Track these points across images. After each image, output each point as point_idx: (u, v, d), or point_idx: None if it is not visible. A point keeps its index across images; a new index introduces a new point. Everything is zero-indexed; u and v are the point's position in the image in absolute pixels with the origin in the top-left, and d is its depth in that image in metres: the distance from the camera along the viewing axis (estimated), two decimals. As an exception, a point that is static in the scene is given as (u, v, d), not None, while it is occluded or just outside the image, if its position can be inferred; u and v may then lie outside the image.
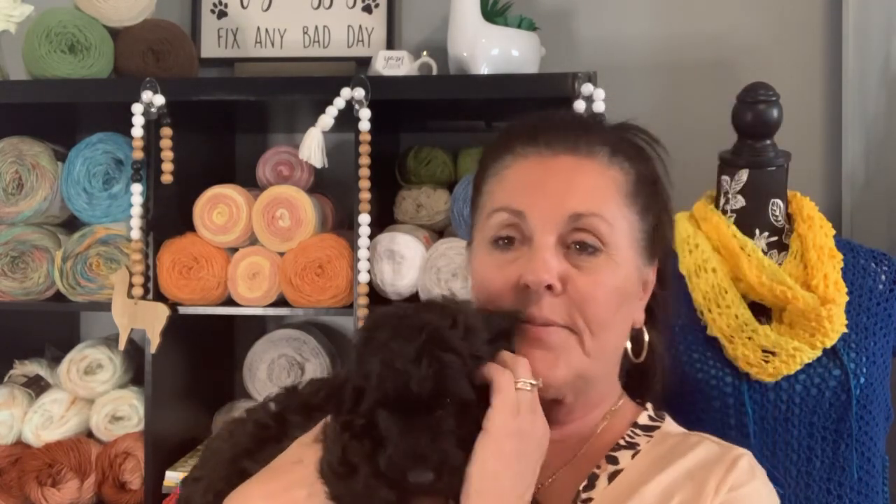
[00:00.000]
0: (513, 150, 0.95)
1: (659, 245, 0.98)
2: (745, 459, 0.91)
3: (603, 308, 0.90)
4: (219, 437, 0.96)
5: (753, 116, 1.35)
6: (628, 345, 0.99)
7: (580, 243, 0.90)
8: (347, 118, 1.66)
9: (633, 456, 0.94)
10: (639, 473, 0.91)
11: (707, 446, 0.93)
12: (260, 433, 0.90)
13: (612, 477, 0.92)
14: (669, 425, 1.00)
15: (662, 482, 0.89)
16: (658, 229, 0.97)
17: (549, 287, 0.88)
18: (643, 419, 0.99)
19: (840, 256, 1.33)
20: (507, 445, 0.79)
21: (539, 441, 0.83)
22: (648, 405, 1.01)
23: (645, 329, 0.99)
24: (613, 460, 0.93)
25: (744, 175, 1.37)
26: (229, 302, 1.77)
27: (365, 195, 1.67)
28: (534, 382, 0.82)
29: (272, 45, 2.08)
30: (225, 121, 1.99)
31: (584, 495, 0.91)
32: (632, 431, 0.97)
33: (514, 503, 0.79)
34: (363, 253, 1.67)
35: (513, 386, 0.81)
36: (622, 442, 0.96)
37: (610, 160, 0.94)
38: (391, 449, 0.77)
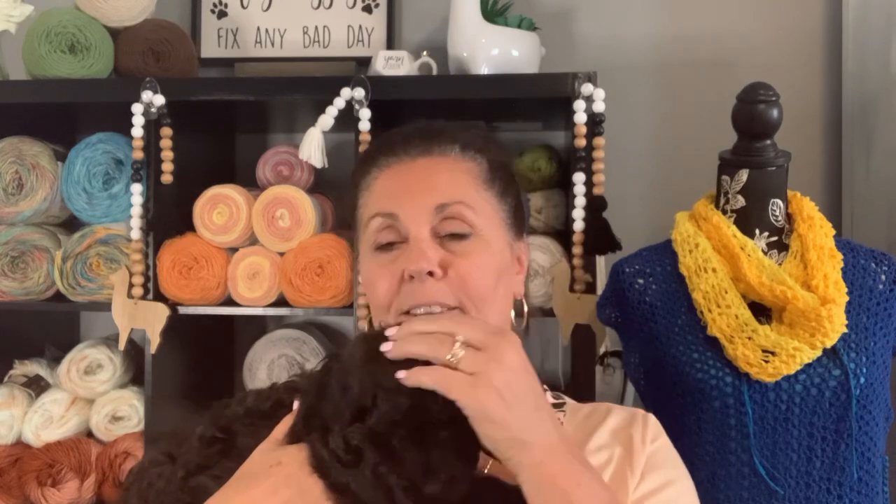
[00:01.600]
0: (377, 163, 1.04)
1: (523, 221, 1.08)
2: (653, 417, 1.03)
3: (482, 283, 0.98)
4: (151, 462, 0.91)
5: (753, 116, 1.34)
6: (512, 314, 1.06)
7: (451, 232, 0.98)
8: (347, 118, 1.66)
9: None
10: (575, 441, 0.96)
11: (618, 411, 1.04)
12: (207, 448, 0.87)
13: None
14: (571, 400, 1.09)
15: (596, 444, 0.99)
16: (519, 208, 1.07)
17: (431, 274, 0.95)
18: (549, 398, 1.06)
19: (840, 256, 1.33)
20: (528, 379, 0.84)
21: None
22: (544, 386, 1.04)
23: (524, 300, 1.07)
24: None
25: (744, 175, 1.36)
26: (229, 302, 1.77)
27: (365, 195, 1.66)
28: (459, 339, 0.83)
29: (272, 45, 2.08)
30: (225, 121, 1.99)
31: None
32: None
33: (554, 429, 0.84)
34: (363, 253, 1.66)
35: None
36: None
37: (462, 154, 1.03)
38: (409, 465, 0.78)
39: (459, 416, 0.79)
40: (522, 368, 0.82)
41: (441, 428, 0.79)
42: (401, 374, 0.80)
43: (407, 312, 0.97)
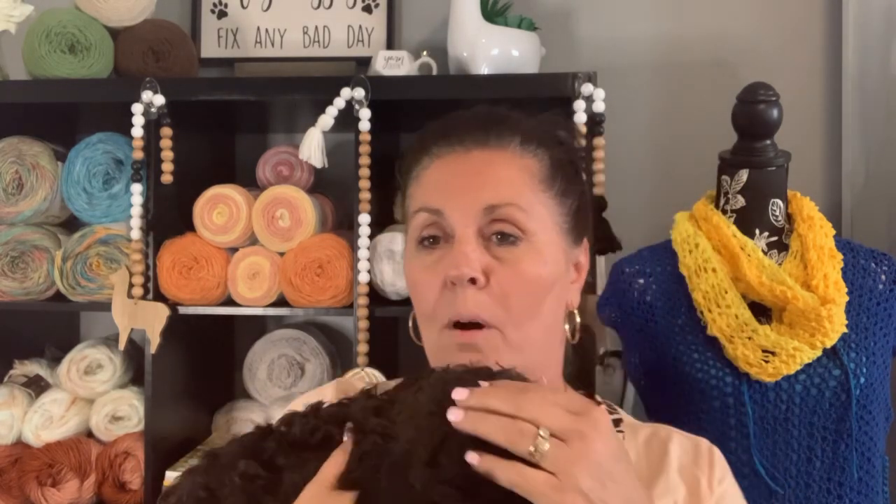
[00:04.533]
0: (429, 151, 0.97)
1: (585, 224, 1.00)
2: (717, 452, 0.96)
3: (526, 299, 0.91)
4: (191, 495, 0.81)
5: (753, 116, 1.35)
6: (567, 327, 0.99)
7: (500, 234, 0.91)
8: (347, 118, 1.66)
9: None
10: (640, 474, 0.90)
11: (679, 439, 0.96)
12: (250, 485, 0.79)
13: None
14: (626, 416, 1.02)
15: (662, 491, 0.92)
16: (581, 210, 0.99)
17: (474, 281, 0.89)
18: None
19: (840, 256, 1.33)
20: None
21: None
22: (597, 396, 0.99)
23: (576, 312, 0.99)
24: None
25: (744, 175, 1.37)
26: (229, 302, 1.77)
27: (365, 195, 1.67)
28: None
29: (272, 45, 2.08)
30: (225, 121, 1.99)
31: None
32: None
33: None
34: (363, 253, 1.67)
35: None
36: None
37: (522, 149, 0.96)
38: None
39: None
40: (614, 459, 0.72)
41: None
42: (472, 459, 0.70)
43: (453, 325, 0.90)
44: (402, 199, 1.02)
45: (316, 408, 0.83)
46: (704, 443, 0.96)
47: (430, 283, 0.92)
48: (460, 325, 0.90)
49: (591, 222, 1.03)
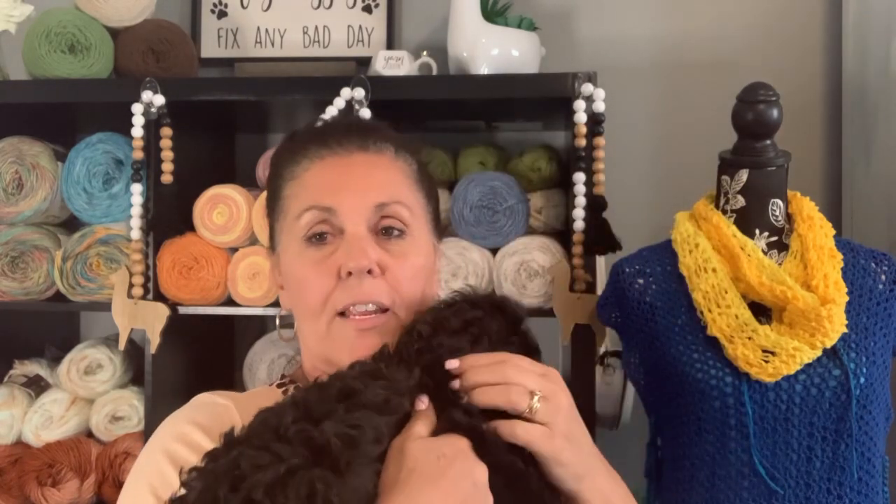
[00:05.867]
0: (307, 153, 1.04)
1: (439, 224, 1.12)
2: None
3: (415, 285, 1.01)
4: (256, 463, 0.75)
5: (753, 116, 1.34)
6: None
7: (387, 228, 1.01)
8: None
9: None
10: None
11: None
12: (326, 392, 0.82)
13: None
14: None
15: None
16: (437, 210, 1.12)
17: (370, 272, 0.97)
18: None
19: (840, 256, 1.33)
20: None
21: None
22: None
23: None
24: None
25: (744, 175, 1.36)
26: (229, 302, 1.77)
27: (365, 195, 1.66)
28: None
29: (272, 45, 2.08)
30: (225, 121, 1.99)
31: None
32: None
33: None
34: (363, 253, 1.66)
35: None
36: None
37: (396, 154, 1.06)
38: None
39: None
40: (573, 407, 0.92)
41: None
42: (503, 428, 0.88)
43: (342, 314, 0.97)
44: (270, 200, 1.08)
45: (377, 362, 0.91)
46: None
47: (320, 277, 0.98)
48: (348, 315, 0.98)
49: (440, 223, 1.14)
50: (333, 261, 0.98)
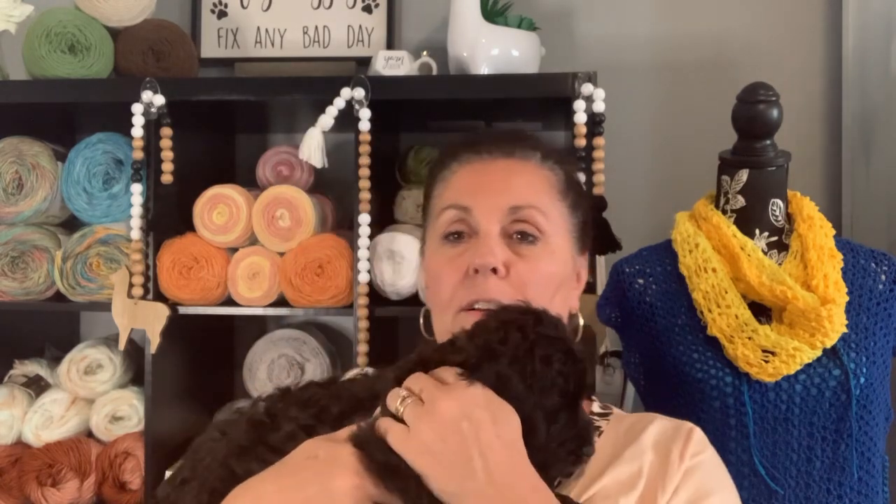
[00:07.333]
0: (458, 158, 1.08)
1: (588, 238, 1.12)
2: (698, 431, 1.01)
3: (541, 291, 1.00)
4: (209, 437, 0.95)
5: (753, 116, 1.34)
6: None
7: (520, 233, 1.02)
8: (347, 118, 1.66)
9: (598, 435, 1.00)
10: (606, 451, 0.98)
11: (661, 422, 1.02)
12: (255, 430, 0.90)
13: None
14: (618, 410, 1.09)
15: (632, 453, 0.98)
16: (586, 225, 1.11)
17: (495, 271, 0.99)
18: (596, 408, 1.08)
19: (840, 256, 1.33)
20: None
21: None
22: (594, 397, 1.10)
23: (579, 315, 1.10)
24: None
25: (744, 175, 1.36)
26: (229, 302, 1.77)
27: (365, 195, 1.67)
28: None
29: (272, 45, 2.08)
30: (225, 121, 1.99)
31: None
32: (590, 417, 1.02)
33: None
34: (363, 253, 1.67)
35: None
36: None
37: (542, 163, 1.07)
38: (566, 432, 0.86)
39: None
40: (459, 418, 0.81)
41: None
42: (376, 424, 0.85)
43: (468, 309, 0.99)
44: (424, 202, 1.13)
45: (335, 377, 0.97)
46: (687, 425, 1.01)
47: (451, 274, 1.01)
48: (475, 311, 0.98)
49: (591, 239, 1.14)
50: (464, 259, 1.01)
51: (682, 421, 1.02)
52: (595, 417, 1.04)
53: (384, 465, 0.81)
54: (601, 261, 1.66)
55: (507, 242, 1.01)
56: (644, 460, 0.96)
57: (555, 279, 1.03)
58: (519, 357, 0.85)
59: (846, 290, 1.30)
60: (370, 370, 1.12)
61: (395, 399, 0.85)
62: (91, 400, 1.84)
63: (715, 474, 0.98)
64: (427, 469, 0.81)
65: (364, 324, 1.66)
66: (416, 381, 0.85)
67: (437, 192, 1.08)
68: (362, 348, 1.66)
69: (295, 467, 0.84)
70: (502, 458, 0.81)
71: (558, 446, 0.87)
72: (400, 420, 0.83)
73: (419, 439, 0.81)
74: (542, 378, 0.85)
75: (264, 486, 0.84)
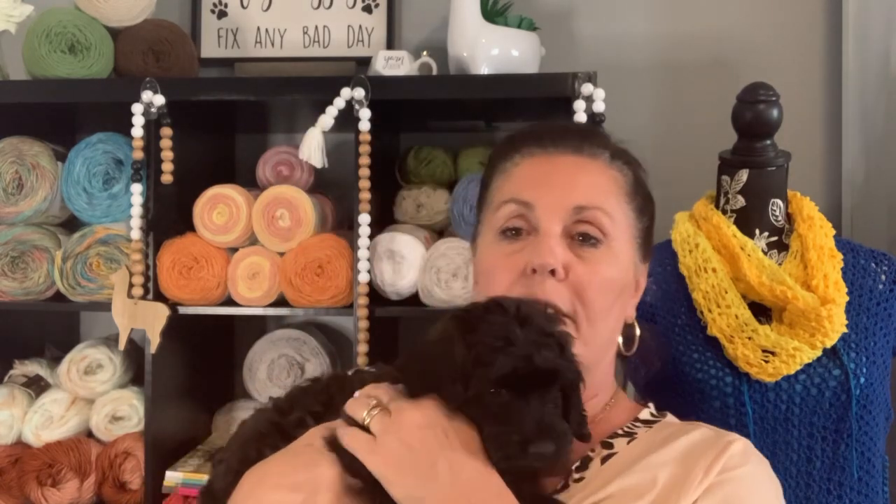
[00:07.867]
0: (520, 150, 1.02)
1: (650, 246, 1.06)
2: (739, 444, 0.93)
3: (600, 297, 0.95)
4: (244, 421, 0.99)
5: (753, 116, 1.34)
6: (620, 339, 1.03)
7: (583, 234, 0.96)
8: (347, 118, 1.66)
9: (628, 442, 0.97)
10: (630, 456, 0.94)
11: (702, 431, 0.96)
12: (274, 417, 0.93)
13: (605, 459, 0.95)
14: (671, 419, 1.03)
15: (650, 462, 0.92)
16: (651, 231, 1.06)
17: (553, 272, 0.93)
18: (644, 415, 1.03)
19: (840, 256, 1.33)
20: None
21: None
22: (650, 404, 1.05)
23: (636, 324, 1.05)
24: (608, 445, 0.97)
25: (744, 175, 1.36)
26: (229, 302, 1.77)
27: (365, 195, 1.67)
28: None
29: (272, 45, 2.08)
30: (225, 121, 1.99)
31: (576, 475, 0.94)
32: (632, 424, 1.00)
33: None
34: (363, 253, 1.67)
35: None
36: (620, 431, 0.99)
37: (610, 162, 1.01)
38: (516, 423, 0.80)
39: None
40: (425, 426, 0.81)
41: None
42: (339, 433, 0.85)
43: None
44: (481, 192, 1.06)
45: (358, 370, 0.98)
46: (727, 437, 0.95)
47: (506, 271, 0.96)
48: None
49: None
50: (521, 257, 0.95)
51: (726, 432, 0.96)
52: (637, 424, 0.99)
53: (350, 467, 0.84)
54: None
55: (568, 243, 0.96)
56: (662, 471, 0.90)
57: (615, 285, 0.97)
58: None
59: (846, 290, 1.30)
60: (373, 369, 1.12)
61: (361, 407, 0.84)
62: (91, 400, 1.84)
63: (750, 492, 0.91)
64: (392, 476, 0.80)
65: (364, 324, 1.66)
66: (379, 390, 0.85)
67: (497, 183, 1.02)
68: (362, 348, 1.66)
69: (294, 453, 0.86)
70: (467, 463, 0.81)
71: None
72: (364, 429, 0.83)
73: (385, 450, 0.81)
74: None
75: (268, 469, 0.86)
